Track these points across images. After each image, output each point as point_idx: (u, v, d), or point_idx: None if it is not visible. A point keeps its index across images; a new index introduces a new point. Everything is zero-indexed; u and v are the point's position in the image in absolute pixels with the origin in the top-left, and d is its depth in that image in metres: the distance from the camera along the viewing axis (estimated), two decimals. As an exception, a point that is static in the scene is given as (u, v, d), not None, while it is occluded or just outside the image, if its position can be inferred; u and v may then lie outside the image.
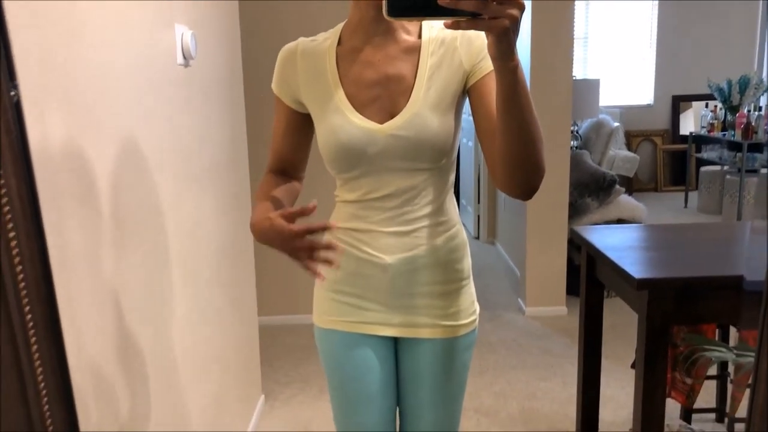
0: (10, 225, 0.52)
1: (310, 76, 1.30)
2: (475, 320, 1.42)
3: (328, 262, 1.13)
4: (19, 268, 0.53)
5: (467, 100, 1.29)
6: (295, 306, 3.85)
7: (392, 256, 1.30)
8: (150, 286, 1.58)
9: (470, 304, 1.40)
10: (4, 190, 0.51)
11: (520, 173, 1.12)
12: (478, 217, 5.92)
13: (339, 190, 1.36)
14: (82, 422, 1.16)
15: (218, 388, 2.19)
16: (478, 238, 5.96)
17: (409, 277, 1.32)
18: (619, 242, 2.00)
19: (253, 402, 2.79)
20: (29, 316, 0.54)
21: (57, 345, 0.57)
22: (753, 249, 1.88)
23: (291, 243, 1.11)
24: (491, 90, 1.16)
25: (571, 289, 4.12)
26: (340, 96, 1.26)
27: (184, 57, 1.86)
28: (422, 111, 1.23)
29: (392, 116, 1.25)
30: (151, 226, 1.60)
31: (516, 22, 0.91)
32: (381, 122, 1.24)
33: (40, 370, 0.54)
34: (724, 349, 1.42)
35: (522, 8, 0.90)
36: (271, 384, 3.15)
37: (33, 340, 0.53)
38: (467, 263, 1.40)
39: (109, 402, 1.32)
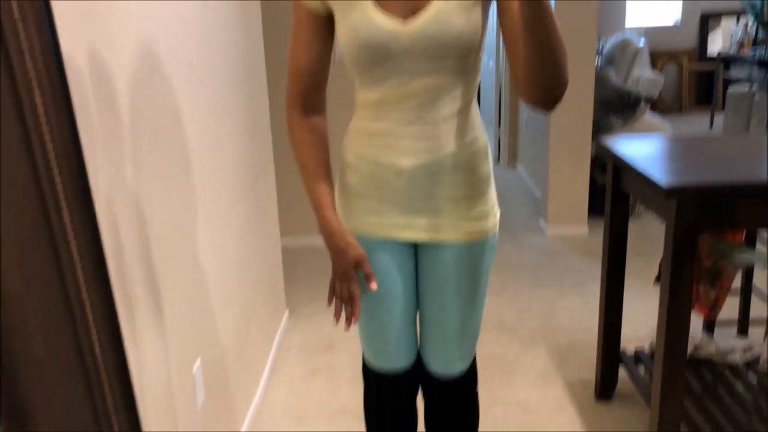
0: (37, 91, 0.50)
1: None
2: (496, 224, 1.41)
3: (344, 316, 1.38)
4: (48, 136, 0.51)
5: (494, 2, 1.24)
6: (316, 227, 3.85)
7: (410, 161, 1.27)
8: (172, 198, 1.57)
9: (491, 208, 1.39)
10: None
11: (543, 85, 1.10)
12: (499, 140, 5.84)
13: (359, 92, 1.31)
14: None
15: (244, 302, 2.22)
16: (498, 161, 5.91)
17: (429, 181, 1.30)
18: (646, 153, 1.96)
19: (278, 317, 2.84)
20: (60, 186, 0.52)
21: (89, 212, 0.55)
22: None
23: (347, 282, 1.34)
24: None
25: (594, 210, 4.10)
26: None
27: (199, -37, 1.80)
28: (446, 7, 1.18)
29: (415, 12, 1.20)
30: (171, 139, 1.58)
31: None
32: (405, 18, 1.20)
33: (74, 241, 0.53)
34: (753, 253, 1.40)
35: None
36: (295, 301, 3.20)
37: (66, 212, 0.52)
38: (488, 167, 1.37)
39: (140, 311, 1.34)
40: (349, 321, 1.36)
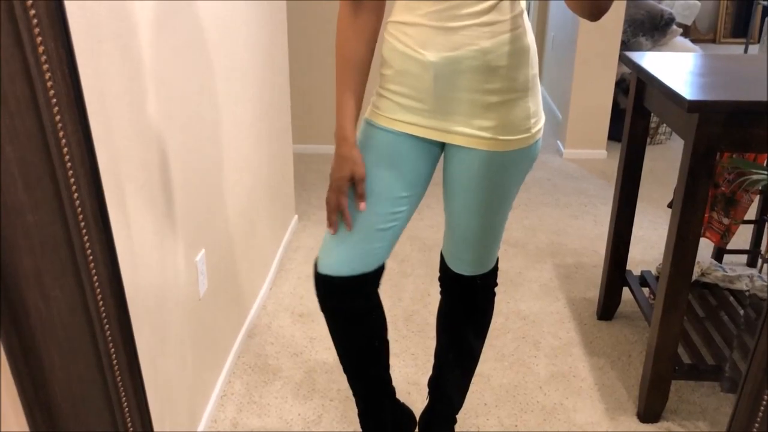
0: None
1: None
2: (528, 137, 1.32)
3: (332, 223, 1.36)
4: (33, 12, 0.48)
5: None
6: (328, 136, 3.82)
7: (436, 54, 1.22)
8: (183, 85, 1.54)
9: (523, 120, 1.30)
10: None
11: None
12: (523, 59, 5.69)
13: None
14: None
15: (252, 200, 2.22)
16: (520, 81, 5.77)
17: (452, 80, 1.24)
18: (672, 68, 1.88)
19: (287, 220, 2.85)
20: (51, 85, 0.49)
21: (81, 115, 0.53)
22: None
23: (337, 193, 1.32)
24: None
25: (614, 134, 4.02)
26: None
27: None
28: None
29: None
30: (185, 25, 1.53)
31: None
32: None
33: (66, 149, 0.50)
34: (772, 173, 1.36)
35: None
36: (304, 206, 3.21)
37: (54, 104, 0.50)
38: (525, 73, 1.27)
39: (139, 195, 1.33)
40: (347, 225, 1.35)
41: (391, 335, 2.19)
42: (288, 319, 2.33)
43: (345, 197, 1.32)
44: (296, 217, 3.02)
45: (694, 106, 1.56)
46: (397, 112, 1.32)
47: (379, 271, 1.44)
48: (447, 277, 1.56)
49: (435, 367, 1.68)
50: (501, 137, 1.29)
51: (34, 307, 0.65)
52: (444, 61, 1.23)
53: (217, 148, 1.82)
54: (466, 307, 1.58)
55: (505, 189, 1.39)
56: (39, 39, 0.50)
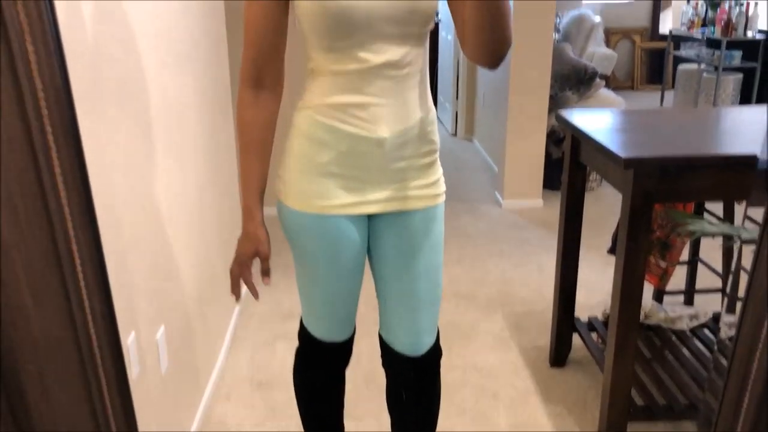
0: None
1: None
2: (444, 189, 1.45)
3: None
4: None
5: None
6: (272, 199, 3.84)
7: (388, 130, 1.28)
8: (132, 164, 1.56)
9: (441, 174, 1.44)
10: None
11: (489, 45, 1.16)
12: (456, 113, 5.89)
13: (323, 62, 1.26)
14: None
15: (204, 271, 2.21)
16: (455, 134, 5.96)
17: (400, 151, 1.31)
18: (603, 125, 2.02)
19: (237, 287, 2.83)
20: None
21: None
22: None
23: (240, 267, 1.38)
24: None
25: (548, 183, 4.19)
26: None
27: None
28: None
29: None
30: (132, 100, 1.56)
31: None
32: None
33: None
34: (706, 223, 1.47)
35: None
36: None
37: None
38: (438, 135, 1.42)
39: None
40: (255, 296, 1.41)
41: (353, 397, 2.20)
42: (247, 388, 2.31)
43: (248, 271, 1.39)
44: (247, 282, 3.01)
45: (629, 163, 1.68)
46: (343, 197, 1.33)
47: (353, 337, 1.58)
48: (396, 362, 1.52)
49: None
50: (436, 192, 1.41)
51: (35, 407, 0.65)
52: (395, 135, 1.29)
53: (171, 225, 1.83)
54: (422, 390, 1.55)
55: (441, 243, 1.46)
56: (55, 154, 0.53)
